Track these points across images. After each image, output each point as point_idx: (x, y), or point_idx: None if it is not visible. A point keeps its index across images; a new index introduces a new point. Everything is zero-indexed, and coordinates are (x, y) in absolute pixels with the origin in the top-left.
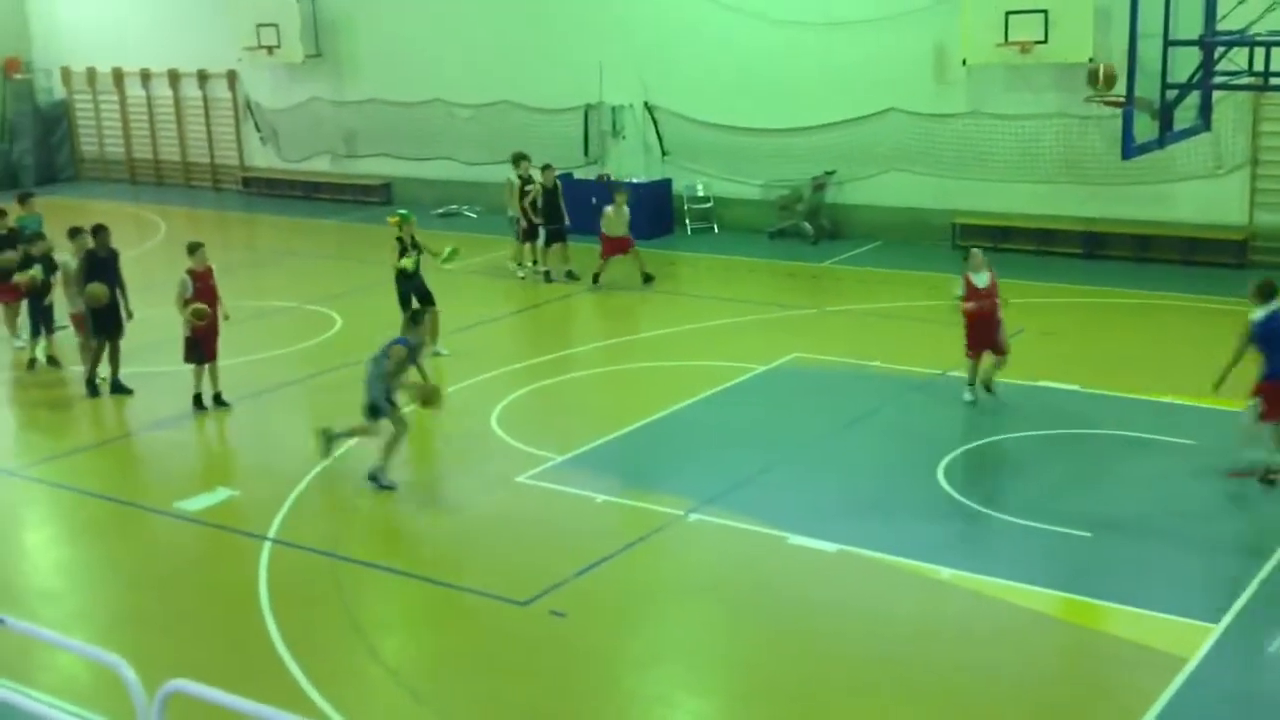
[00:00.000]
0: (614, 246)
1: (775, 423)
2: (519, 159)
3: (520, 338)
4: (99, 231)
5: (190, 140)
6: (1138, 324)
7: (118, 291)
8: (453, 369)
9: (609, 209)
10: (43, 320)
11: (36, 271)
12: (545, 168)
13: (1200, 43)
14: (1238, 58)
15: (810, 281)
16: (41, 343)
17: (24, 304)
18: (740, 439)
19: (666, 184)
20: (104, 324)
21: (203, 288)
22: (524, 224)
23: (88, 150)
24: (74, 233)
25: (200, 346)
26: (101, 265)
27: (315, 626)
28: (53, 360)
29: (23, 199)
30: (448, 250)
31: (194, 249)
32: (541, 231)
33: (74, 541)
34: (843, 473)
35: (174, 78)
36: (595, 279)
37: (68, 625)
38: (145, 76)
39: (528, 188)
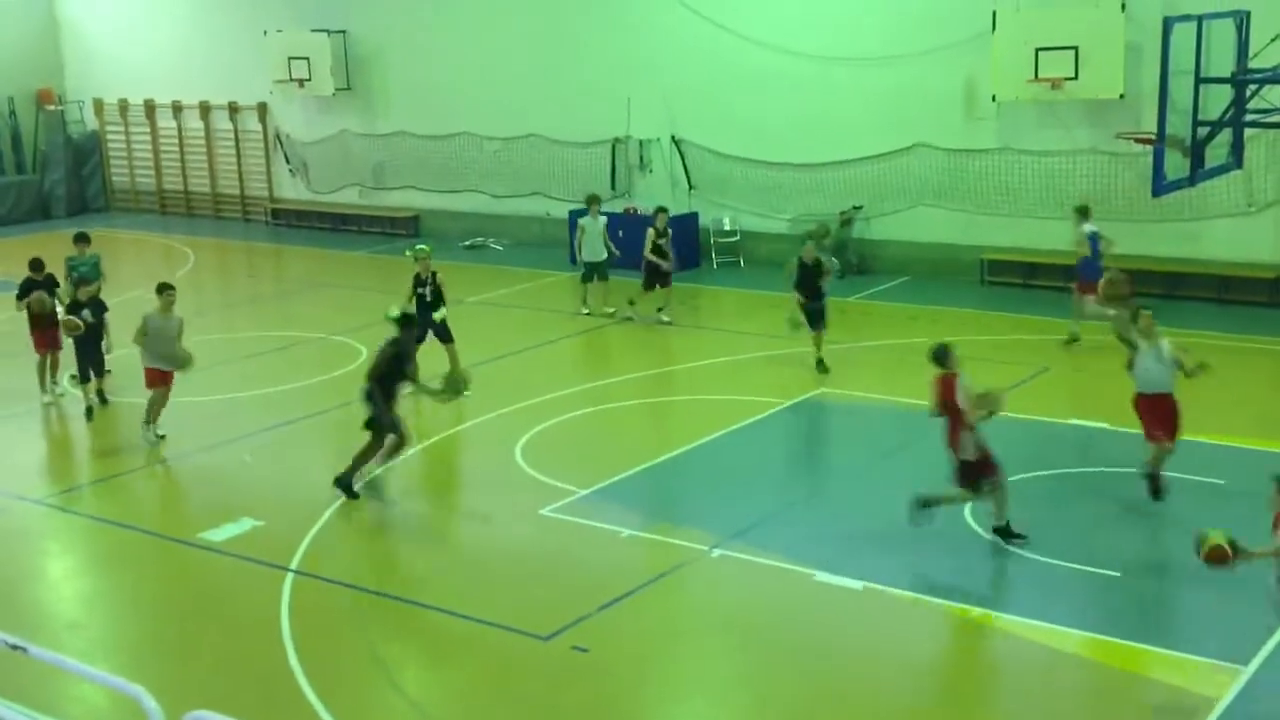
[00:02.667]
0: (1156, 415)
1: (801, 458)
2: (660, 211)
3: (545, 371)
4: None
5: (220, 172)
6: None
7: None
8: (477, 401)
9: (1144, 348)
10: (91, 365)
11: (71, 318)
12: (807, 239)
13: (1232, 80)
14: (1270, 95)
15: (837, 316)
16: (92, 386)
17: (51, 352)
18: (766, 474)
19: (693, 218)
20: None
21: None
22: (663, 268)
23: (119, 181)
24: (161, 289)
25: None
26: None
27: (337, 658)
28: (100, 395)
29: (78, 239)
30: (394, 311)
31: None
32: (801, 311)
33: (98, 571)
34: (869, 509)
35: (205, 110)
36: (1152, 484)
37: (90, 654)
38: (177, 108)
39: (659, 241)
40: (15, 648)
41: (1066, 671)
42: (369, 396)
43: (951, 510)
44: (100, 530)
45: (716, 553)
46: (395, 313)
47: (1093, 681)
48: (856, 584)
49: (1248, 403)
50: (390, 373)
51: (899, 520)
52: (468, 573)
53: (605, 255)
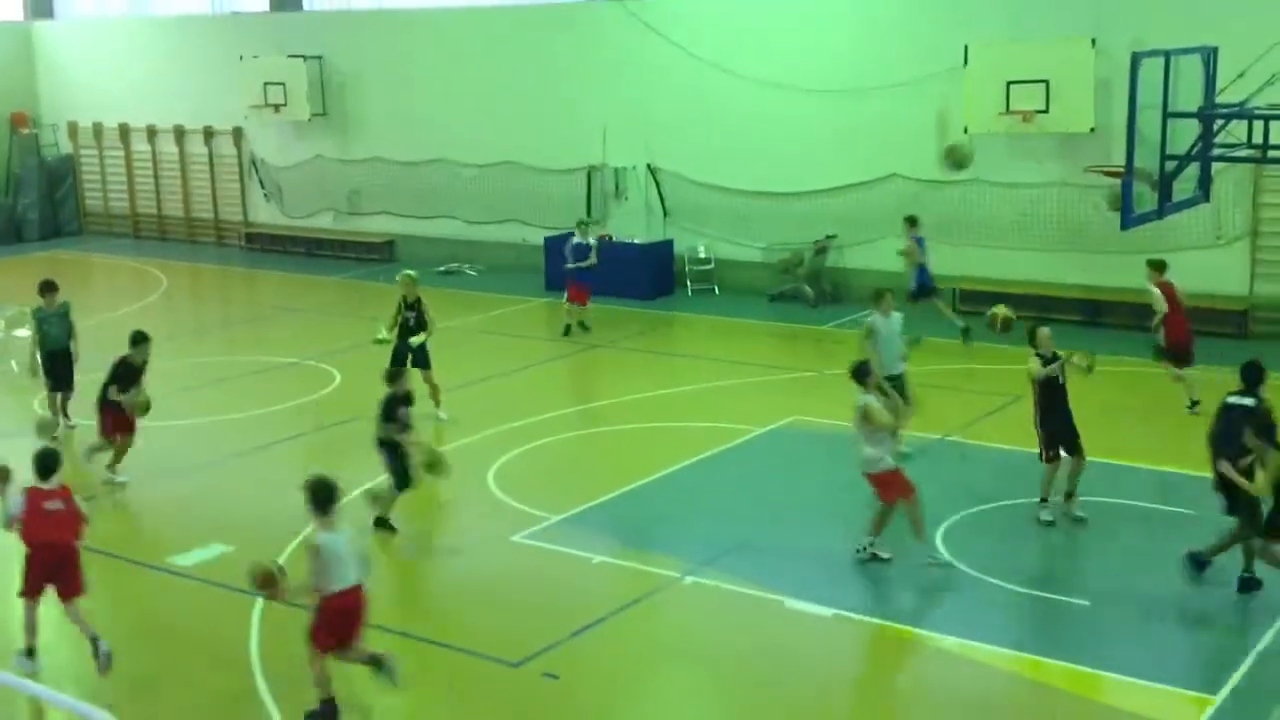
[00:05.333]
0: None
1: (774, 485)
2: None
3: (518, 397)
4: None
5: (194, 196)
6: (1137, 392)
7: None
8: (450, 427)
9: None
10: None
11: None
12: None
13: (1199, 115)
14: (1237, 131)
15: (811, 344)
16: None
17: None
18: (738, 501)
19: (668, 245)
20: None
21: None
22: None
23: (92, 205)
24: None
25: None
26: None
27: (306, 684)
28: None
29: (45, 288)
30: (382, 334)
31: None
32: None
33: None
34: (841, 537)
35: (179, 134)
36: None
37: (58, 679)
38: (151, 132)
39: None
40: None
41: (1037, 701)
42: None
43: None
44: None
45: (688, 580)
46: (383, 334)
47: (1063, 710)
48: (827, 611)
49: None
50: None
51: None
52: (438, 599)
53: (904, 366)
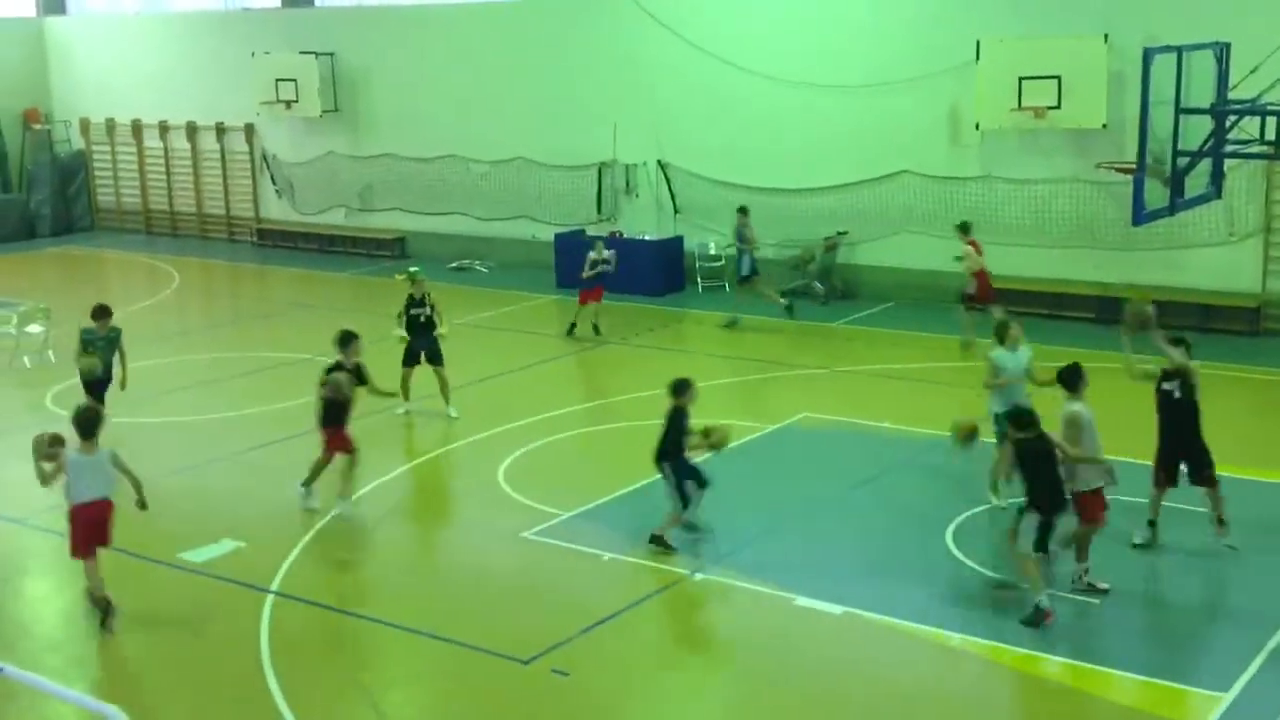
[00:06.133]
0: None
1: (783, 482)
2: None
3: (529, 394)
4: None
5: (206, 192)
6: (1149, 390)
7: None
8: (461, 423)
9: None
10: None
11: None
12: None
13: (1212, 111)
14: (1250, 127)
15: (821, 341)
16: None
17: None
18: (748, 498)
19: (678, 241)
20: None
21: None
22: None
23: (104, 201)
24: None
25: None
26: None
27: (316, 681)
28: None
29: (98, 313)
30: (404, 335)
31: None
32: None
33: (77, 591)
34: (851, 534)
35: (191, 130)
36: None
37: (68, 675)
38: (163, 128)
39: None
40: None
41: (1045, 698)
42: None
43: (932, 536)
44: None
45: (698, 576)
46: (399, 331)
47: (1072, 708)
48: (837, 609)
49: (1229, 430)
50: None
51: (879, 545)
52: (449, 596)
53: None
